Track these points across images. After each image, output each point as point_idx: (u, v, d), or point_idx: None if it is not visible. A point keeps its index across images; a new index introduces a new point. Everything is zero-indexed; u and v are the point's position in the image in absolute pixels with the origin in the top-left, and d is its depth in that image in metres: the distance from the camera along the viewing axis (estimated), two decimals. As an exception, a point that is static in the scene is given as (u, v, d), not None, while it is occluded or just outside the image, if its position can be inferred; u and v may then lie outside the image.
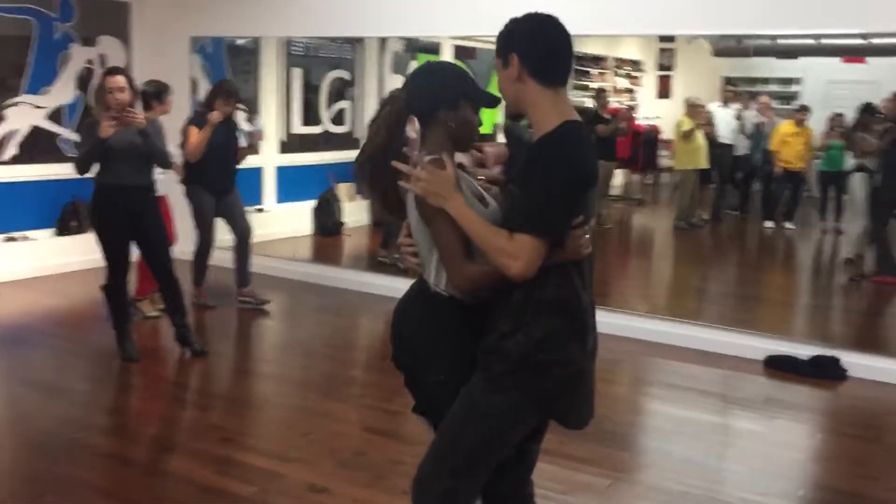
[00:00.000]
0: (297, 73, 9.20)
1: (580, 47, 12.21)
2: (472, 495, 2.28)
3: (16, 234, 6.93)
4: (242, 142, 6.25)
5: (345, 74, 9.60)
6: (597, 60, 12.62)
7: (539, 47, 2.16)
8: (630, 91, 13.23)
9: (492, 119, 9.44)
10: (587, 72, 12.53)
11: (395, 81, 9.35)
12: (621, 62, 13.08)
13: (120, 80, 4.73)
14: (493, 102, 2.31)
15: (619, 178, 11.71)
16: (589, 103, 11.20)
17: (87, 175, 4.80)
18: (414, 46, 9.33)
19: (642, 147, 12.14)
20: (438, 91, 2.26)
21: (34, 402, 4.38)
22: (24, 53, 6.98)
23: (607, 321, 5.63)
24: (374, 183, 2.31)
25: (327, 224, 8.87)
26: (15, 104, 6.95)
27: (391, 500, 3.28)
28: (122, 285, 4.96)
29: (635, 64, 13.24)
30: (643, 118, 12.47)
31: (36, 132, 7.04)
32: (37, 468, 3.66)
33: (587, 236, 2.14)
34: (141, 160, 4.79)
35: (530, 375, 2.14)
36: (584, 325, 2.19)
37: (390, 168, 2.21)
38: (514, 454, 2.30)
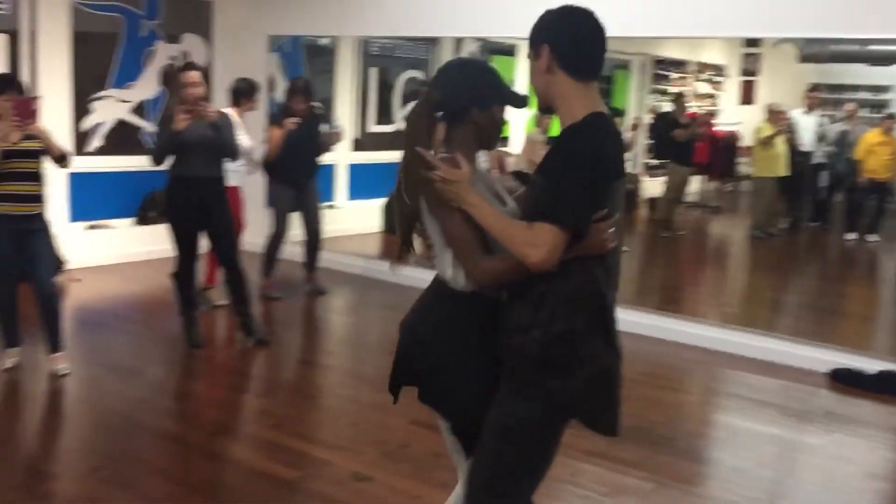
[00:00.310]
0: (374, 73, 9.35)
1: (661, 51, 12.06)
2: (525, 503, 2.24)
3: (98, 223, 7.25)
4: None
5: (419, 74, 9.69)
6: (677, 65, 12.44)
7: (570, 39, 2.14)
8: (712, 96, 12.99)
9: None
10: (667, 76, 12.37)
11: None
12: (703, 66, 12.85)
13: (194, 75, 4.91)
14: (523, 102, 2.29)
15: (695, 184, 11.50)
16: (667, 108, 11.06)
17: (163, 167, 5.00)
18: (489, 47, 9.36)
19: (721, 153, 11.91)
20: (472, 89, 2.24)
21: (106, 382, 4.59)
22: (112, 49, 7.29)
23: (677, 329, 5.69)
24: (409, 179, 2.21)
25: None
26: (101, 98, 7.27)
27: (430, 490, 3.31)
28: (191, 274, 5.14)
29: (718, 69, 12.98)
30: (724, 124, 12.23)
31: (120, 125, 7.35)
32: (98, 443, 3.84)
33: (612, 230, 2.09)
34: (211, 153, 4.95)
35: (555, 377, 2.08)
36: (607, 322, 2.14)
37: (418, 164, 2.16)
38: None
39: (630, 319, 5.77)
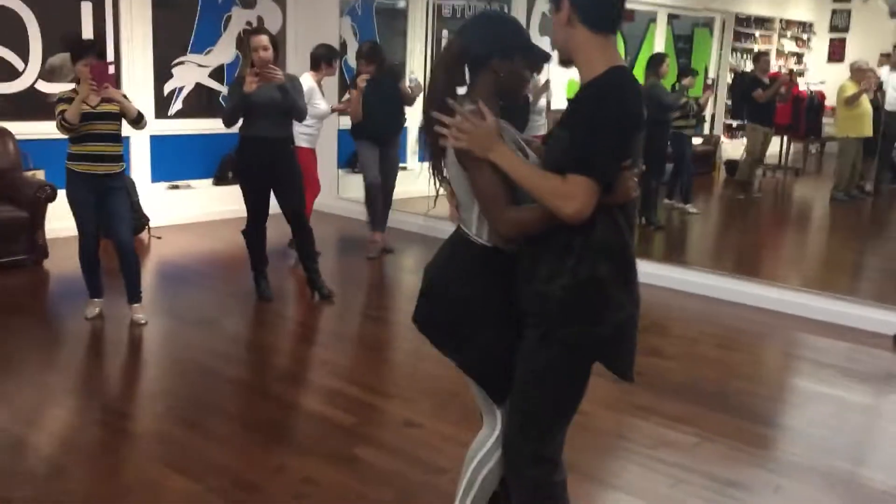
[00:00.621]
0: (446, 35, 9.39)
1: (743, 8, 11.71)
2: (558, 448, 2.33)
3: (179, 183, 7.59)
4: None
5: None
6: (761, 22, 12.05)
7: None
8: (798, 55, 12.56)
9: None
10: (751, 34, 12.01)
11: (543, 43, 9.31)
12: (789, 24, 12.41)
13: (263, 39, 5.07)
14: (545, 58, 2.34)
15: (776, 145, 11.20)
16: (748, 67, 10.78)
17: (233, 128, 5.20)
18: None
19: (804, 113, 11.54)
20: (496, 39, 2.28)
21: (181, 331, 4.88)
22: (191, 16, 7.56)
23: (751, 292, 5.64)
24: (429, 128, 2.27)
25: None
26: (181, 63, 7.56)
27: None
28: (261, 231, 5.35)
29: (805, 26, 12.52)
30: (809, 83, 11.83)
31: (199, 89, 7.64)
32: (171, 386, 4.12)
33: (635, 179, 2.15)
34: (279, 114, 5.12)
35: (581, 323, 2.16)
36: (630, 271, 2.20)
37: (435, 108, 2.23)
38: None
39: (705, 283, 5.85)
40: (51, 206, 5.88)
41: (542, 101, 7.85)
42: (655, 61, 8.13)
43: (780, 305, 5.55)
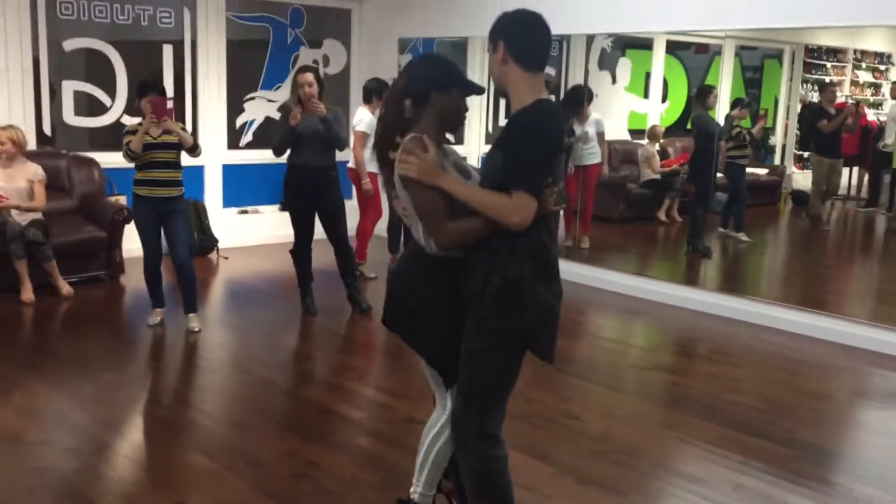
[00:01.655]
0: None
1: (813, 39, 11.73)
2: (499, 422, 2.69)
3: (248, 208, 8.23)
4: None
5: (549, 71, 10.06)
6: (833, 53, 12.03)
7: (521, 37, 2.58)
8: (876, 85, 12.44)
9: (676, 110, 9.52)
10: (822, 65, 12.00)
11: (603, 78, 9.67)
12: (864, 54, 12.33)
13: (309, 76, 5.59)
14: (480, 90, 2.72)
15: (844, 176, 11.12)
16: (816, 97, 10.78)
17: (283, 158, 5.73)
18: (622, 42, 9.60)
19: (872, 144, 11.43)
20: (433, 76, 2.67)
21: (230, 338, 5.46)
22: (262, 55, 8.24)
23: (817, 325, 5.68)
24: (383, 160, 2.70)
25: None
26: (252, 98, 8.23)
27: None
28: (306, 251, 5.85)
29: (882, 57, 12.41)
30: (879, 114, 11.71)
31: (267, 122, 8.28)
32: (209, 382, 4.65)
33: (556, 193, 2.52)
34: (323, 144, 5.62)
35: (511, 312, 2.54)
36: (550, 269, 2.59)
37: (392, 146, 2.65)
38: None
39: (789, 318, 5.88)
40: (127, 228, 6.53)
41: (592, 131, 8.18)
42: (703, 92, 8.37)
43: (850, 339, 5.57)
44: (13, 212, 6.03)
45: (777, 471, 3.61)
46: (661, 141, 9.13)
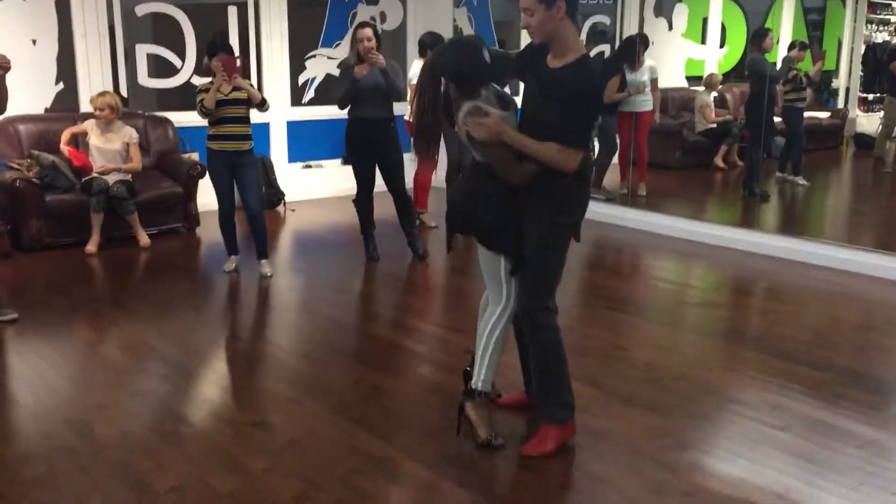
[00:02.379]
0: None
1: (878, -23, 11.46)
2: (554, 296, 3.25)
3: (311, 163, 8.58)
4: None
5: (604, 19, 10.11)
6: (902, -9, 11.74)
7: None
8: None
9: (735, 55, 9.47)
10: (888, 5, 11.73)
11: (659, 25, 9.68)
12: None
13: (367, 31, 5.85)
14: (502, 84, 3.30)
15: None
16: (881, 38, 10.59)
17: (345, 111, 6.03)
18: (678, -15, 9.58)
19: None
20: (462, 72, 3.12)
21: (300, 282, 5.85)
22: (321, 14, 8.51)
23: (888, 265, 5.77)
24: (429, 134, 3.23)
25: (579, 160, 9.60)
26: (313, 56, 8.53)
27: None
28: (368, 199, 6.16)
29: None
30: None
31: (328, 79, 8.57)
32: (283, 321, 5.06)
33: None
34: (381, 97, 5.90)
35: (567, 213, 3.15)
36: (588, 181, 3.22)
37: (436, 120, 3.14)
38: None
39: (841, 257, 6.00)
40: (202, 183, 6.93)
41: (646, 78, 8.26)
42: (759, 35, 8.37)
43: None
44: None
45: (815, 392, 3.82)
46: (720, 87, 9.13)
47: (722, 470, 3.16)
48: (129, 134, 6.67)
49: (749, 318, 5.16)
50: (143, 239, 6.54)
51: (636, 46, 8.35)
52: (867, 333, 4.73)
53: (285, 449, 3.30)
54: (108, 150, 6.57)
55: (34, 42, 6.98)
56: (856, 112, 11.08)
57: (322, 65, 8.58)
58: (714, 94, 9.06)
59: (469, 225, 3.28)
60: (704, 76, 9.21)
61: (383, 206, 6.25)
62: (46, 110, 7.08)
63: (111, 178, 6.45)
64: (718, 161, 9.03)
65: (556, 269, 3.21)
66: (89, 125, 6.63)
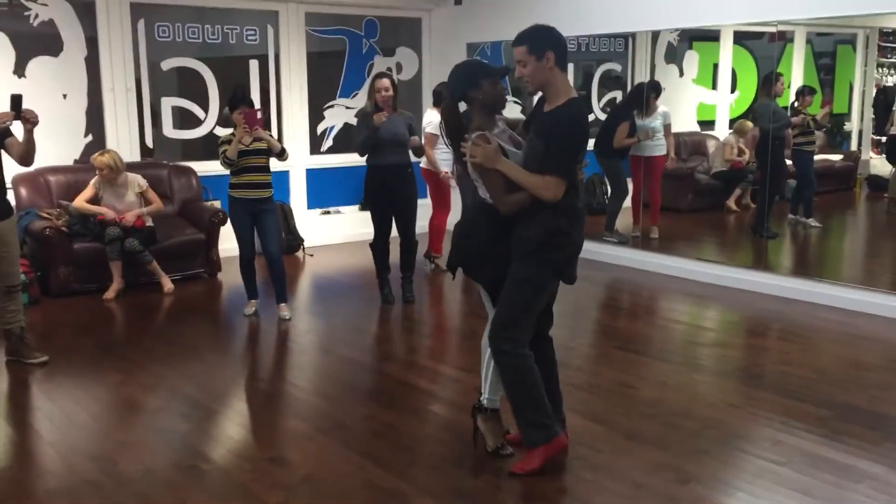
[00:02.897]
0: (570, 68, 10.17)
1: (888, 23, 11.66)
2: (526, 336, 3.41)
3: (330, 209, 8.81)
4: None
5: (616, 66, 10.36)
6: (909, 35, 11.92)
7: (563, 47, 3.27)
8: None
9: (746, 100, 9.63)
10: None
11: (670, 71, 9.90)
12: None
13: (385, 82, 6.09)
14: (504, 71, 3.42)
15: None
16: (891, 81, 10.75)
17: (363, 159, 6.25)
18: (688, 35, 9.81)
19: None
20: (463, 78, 3.37)
21: (317, 325, 6.02)
22: (339, 65, 8.81)
23: (872, 301, 5.86)
24: (457, 154, 3.42)
25: (592, 204, 9.76)
26: (331, 106, 8.82)
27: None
28: (385, 244, 6.36)
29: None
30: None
31: (346, 128, 8.85)
32: (299, 361, 5.22)
33: (583, 169, 3.29)
34: (399, 144, 6.12)
35: (550, 253, 3.30)
36: (578, 223, 3.33)
37: (458, 142, 3.35)
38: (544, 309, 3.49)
39: (850, 297, 6.09)
40: (223, 230, 7.15)
41: (659, 123, 8.47)
42: (769, 81, 8.56)
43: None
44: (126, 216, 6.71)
45: (815, 429, 3.92)
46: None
47: (721, 503, 3.26)
48: (137, 183, 6.85)
49: (755, 356, 5.25)
50: (167, 284, 6.76)
51: (644, 93, 8.57)
52: (872, 372, 4.81)
53: (300, 483, 3.45)
54: (123, 204, 6.75)
55: (65, 96, 7.31)
56: (869, 154, 11.21)
57: (340, 114, 8.86)
58: (742, 139, 9.20)
59: (460, 257, 3.52)
60: (737, 122, 9.34)
61: (397, 252, 6.43)
62: (76, 161, 7.36)
63: (130, 218, 6.63)
64: (731, 204, 9.16)
65: (527, 305, 3.35)
66: (96, 185, 6.77)
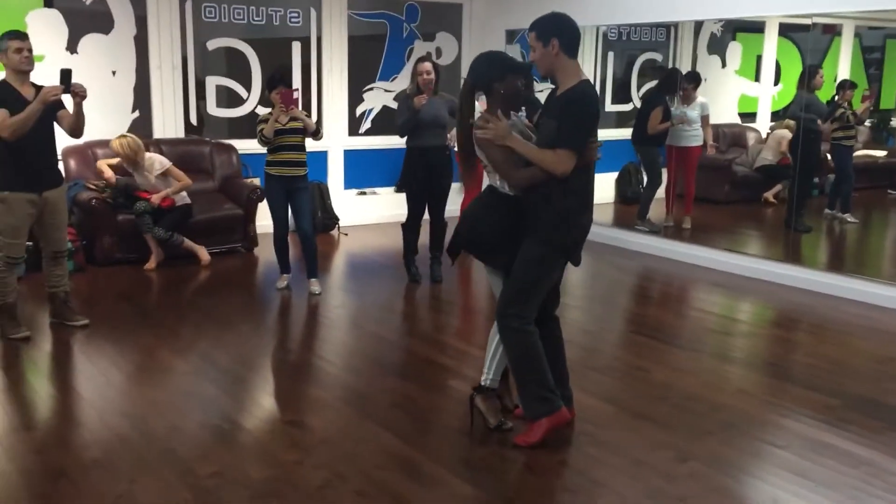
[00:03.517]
0: (611, 56, 10.19)
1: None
2: (532, 314, 3.52)
3: (366, 190, 9.00)
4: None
5: (657, 56, 10.35)
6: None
7: (570, 34, 3.35)
8: None
9: (790, 93, 9.55)
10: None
11: (712, 62, 9.88)
12: None
13: (427, 65, 6.21)
14: (527, 67, 3.51)
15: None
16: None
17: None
18: (733, 26, 9.77)
19: None
20: (490, 70, 3.45)
21: (347, 300, 6.20)
22: (380, 49, 8.97)
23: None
24: (464, 141, 3.54)
25: (627, 193, 9.81)
26: (371, 89, 8.98)
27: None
28: (417, 226, 6.51)
29: None
30: None
31: (385, 110, 9.00)
32: (329, 335, 5.43)
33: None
34: (438, 127, 6.25)
35: (559, 234, 3.42)
36: (588, 204, 3.45)
37: (469, 127, 3.47)
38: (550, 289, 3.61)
39: (876, 292, 6.06)
40: (261, 206, 7.36)
41: (696, 114, 8.48)
42: (807, 74, 8.51)
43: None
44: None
45: (821, 416, 3.99)
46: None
47: (717, 480, 3.37)
48: (160, 162, 6.92)
49: (774, 347, 5.31)
50: (204, 256, 6.99)
51: (677, 78, 8.59)
52: (888, 364, 4.85)
53: (317, 445, 3.64)
54: (150, 186, 6.90)
55: (114, 73, 7.58)
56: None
57: (379, 97, 9.03)
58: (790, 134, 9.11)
59: (471, 243, 3.64)
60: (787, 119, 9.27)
61: (427, 234, 6.59)
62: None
63: (156, 200, 6.78)
64: (769, 196, 9.13)
65: (536, 283, 3.47)
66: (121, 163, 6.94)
